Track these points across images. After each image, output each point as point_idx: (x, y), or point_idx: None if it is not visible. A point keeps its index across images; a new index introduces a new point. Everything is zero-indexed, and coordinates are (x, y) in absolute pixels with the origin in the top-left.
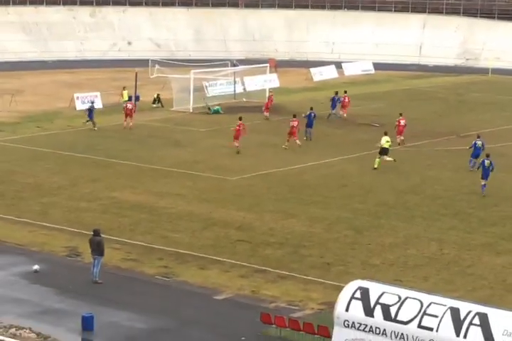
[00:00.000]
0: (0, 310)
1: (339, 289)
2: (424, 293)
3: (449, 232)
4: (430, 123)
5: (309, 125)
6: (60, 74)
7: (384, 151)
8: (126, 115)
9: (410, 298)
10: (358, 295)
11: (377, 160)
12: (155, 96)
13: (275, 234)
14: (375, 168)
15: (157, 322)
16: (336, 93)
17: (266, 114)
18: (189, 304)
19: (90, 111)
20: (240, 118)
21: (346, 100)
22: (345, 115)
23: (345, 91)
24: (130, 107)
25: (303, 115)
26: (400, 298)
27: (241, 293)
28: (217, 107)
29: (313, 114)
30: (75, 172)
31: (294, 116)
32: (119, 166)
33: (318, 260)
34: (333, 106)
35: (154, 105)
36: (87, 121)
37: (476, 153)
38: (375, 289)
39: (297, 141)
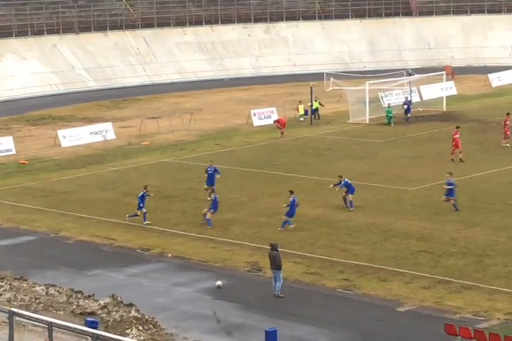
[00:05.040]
0: (186, 326)
1: None
2: None
3: None
4: None
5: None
6: (237, 91)
7: None
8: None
9: None
10: None
11: None
12: (316, 104)
13: (457, 244)
14: None
15: (340, 335)
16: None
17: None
18: (371, 317)
19: None
20: (457, 127)
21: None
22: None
23: (508, 113)
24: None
25: None
26: None
27: (424, 305)
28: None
29: None
30: (254, 187)
31: (457, 127)
32: (297, 180)
33: (503, 269)
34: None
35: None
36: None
37: None
38: None
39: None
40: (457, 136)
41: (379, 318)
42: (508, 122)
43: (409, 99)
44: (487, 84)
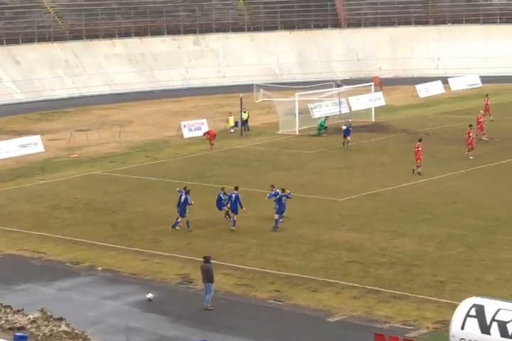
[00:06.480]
0: (116, 340)
1: (454, 307)
2: None
3: None
4: None
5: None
6: (167, 103)
7: None
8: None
9: None
10: (473, 312)
11: None
12: (246, 116)
13: (386, 254)
14: None
15: None
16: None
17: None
18: (302, 327)
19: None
20: (420, 140)
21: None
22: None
23: (471, 125)
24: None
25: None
26: None
27: (354, 315)
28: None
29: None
30: None
31: (420, 140)
32: (228, 192)
33: (431, 278)
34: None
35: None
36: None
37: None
38: (490, 306)
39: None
40: (419, 148)
41: (310, 329)
42: (471, 134)
43: (351, 124)
44: (414, 95)
